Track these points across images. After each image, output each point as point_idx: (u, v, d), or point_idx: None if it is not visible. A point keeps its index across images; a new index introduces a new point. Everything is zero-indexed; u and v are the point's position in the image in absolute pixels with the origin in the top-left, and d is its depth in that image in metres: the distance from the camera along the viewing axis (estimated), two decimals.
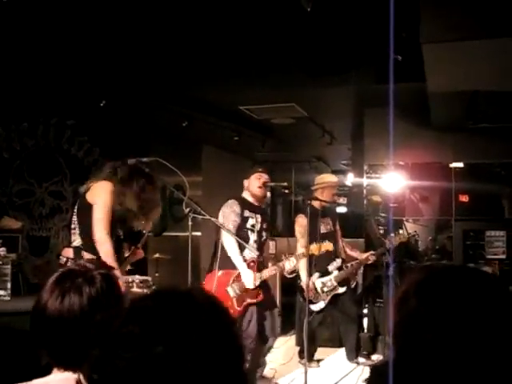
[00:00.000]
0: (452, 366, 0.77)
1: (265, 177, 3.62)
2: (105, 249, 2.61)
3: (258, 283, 3.42)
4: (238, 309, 3.36)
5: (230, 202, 3.52)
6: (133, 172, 2.74)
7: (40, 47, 3.85)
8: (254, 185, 3.61)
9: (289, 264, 3.52)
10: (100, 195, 2.68)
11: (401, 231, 4.44)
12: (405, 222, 5.57)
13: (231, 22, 3.78)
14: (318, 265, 3.98)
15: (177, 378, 0.62)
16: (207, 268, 3.53)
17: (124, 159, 2.79)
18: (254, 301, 3.44)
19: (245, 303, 3.40)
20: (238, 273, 3.39)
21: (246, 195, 3.65)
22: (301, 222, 4.17)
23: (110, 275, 1.23)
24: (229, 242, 3.37)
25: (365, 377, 0.87)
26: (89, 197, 2.70)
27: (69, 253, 2.74)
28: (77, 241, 2.73)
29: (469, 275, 0.86)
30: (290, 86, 4.65)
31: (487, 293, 0.82)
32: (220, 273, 3.35)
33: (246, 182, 3.65)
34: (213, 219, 3.08)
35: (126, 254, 2.95)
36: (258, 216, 3.61)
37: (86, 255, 2.67)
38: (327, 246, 3.83)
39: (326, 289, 4.15)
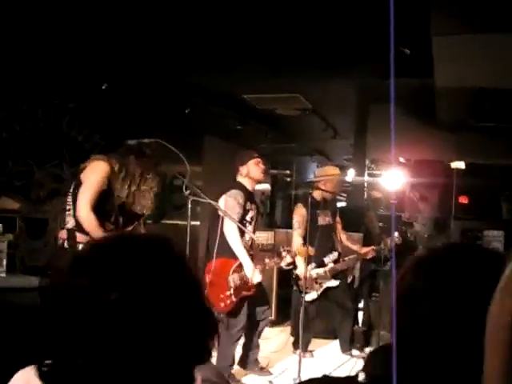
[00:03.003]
0: (448, 338, 0.77)
1: (262, 163, 3.58)
2: (87, 226, 2.62)
3: (260, 278, 3.39)
4: (235, 300, 3.34)
5: (234, 192, 3.42)
6: (130, 152, 2.78)
7: (41, 29, 3.79)
8: (256, 170, 3.55)
9: (284, 261, 3.59)
10: (88, 174, 2.71)
11: (396, 234, 4.38)
12: (414, 223, 5.55)
13: (238, 10, 3.72)
14: (314, 256, 3.97)
15: (136, 322, 0.60)
16: (206, 255, 3.47)
17: (125, 141, 2.78)
18: (249, 294, 3.42)
19: (241, 295, 3.37)
20: (238, 263, 3.34)
21: (244, 182, 3.55)
22: (300, 212, 4.13)
23: None
24: (232, 231, 3.32)
25: (357, 369, 0.85)
26: (82, 176, 2.72)
27: (64, 235, 2.74)
28: (70, 222, 2.73)
29: (466, 250, 0.86)
30: (295, 77, 4.59)
31: (485, 266, 0.80)
32: (217, 261, 3.30)
33: (243, 168, 3.54)
34: (213, 203, 3.05)
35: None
36: (254, 205, 3.57)
37: (80, 237, 2.68)
38: (311, 251, 3.82)
39: (319, 280, 4.14)
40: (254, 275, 3.34)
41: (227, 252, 3.33)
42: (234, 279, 3.34)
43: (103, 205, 2.74)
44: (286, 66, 4.38)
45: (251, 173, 3.52)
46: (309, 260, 3.82)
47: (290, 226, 4.33)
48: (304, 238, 3.95)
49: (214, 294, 3.30)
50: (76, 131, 5.28)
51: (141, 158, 2.81)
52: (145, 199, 2.82)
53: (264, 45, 4.08)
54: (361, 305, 5.05)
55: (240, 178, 3.55)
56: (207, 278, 3.26)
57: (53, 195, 5.01)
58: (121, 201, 2.78)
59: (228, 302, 3.31)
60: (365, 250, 4.33)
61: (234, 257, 3.35)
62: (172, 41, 4.11)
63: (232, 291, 3.31)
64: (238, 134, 6.14)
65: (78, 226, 2.67)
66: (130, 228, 2.98)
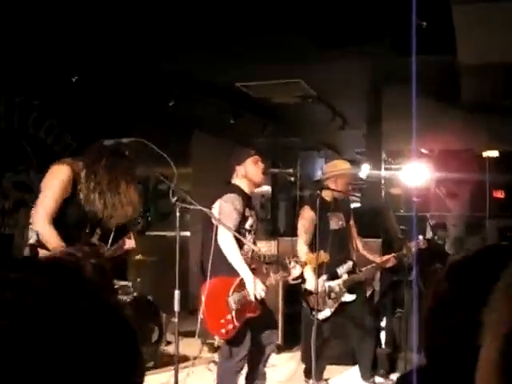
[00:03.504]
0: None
1: (261, 162, 3.57)
2: (45, 240, 2.63)
3: (264, 294, 3.38)
4: (237, 324, 3.32)
5: (230, 196, 3.40)
6: (101, 154, 2.76)
7: (2, 16, 3.76)
8: (255, 171, 3.53)
9: (295, 271, 3.58)
10: (45, 181, 2.73)
11: (420, 237, 4.34)
12: (429, 223, 5.53)
13: None
14: (326, 266, 3.93)
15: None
16: (200, 272, 3.45)
17: (100, 140, 2.79)
18: (254, 315, 3.40)
19: (244, 318, 3.36)
20: (238, 281, 3.35)
21: (242, 185, 3.55)
22: (307, 216, 4.09)
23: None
24: (228, 241, 3.30)
25: None
26: (41, 184, 2.76)
27: (27, 252, 2.77)
28: (33, 237, 2.74)
29: (503, 252, 0.86)
30: (295, 60, 4.61)
31: None
32: (214, 279, 3.29)
33: (240, 169, 3.53)
34: (205, 210, 3.03)
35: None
36: (253, 211, 3.57)
37: (43, 253, 2.68)
38: (325, 257, 3.78)
39: (332, 294, 4.12)
40: (256, 290, 3.33)
41: (225, 268, 3.31)
42: (234, 300, 3.32)
43: (71, 216, 2.74)
44: (283, 46, 4.37)
45: (249, 173, 3.51)
46: (319, 271, 3.79)
47: (296, 234, 4.27)
48: (310, 246, 3.92)
49: (212, 318, 3.29)
50: (44, 132, 5.26)
51: (117, 160, 2.79)
52: (123, 209, 2.80)
53: (257, 22, 4.04)
54: (383, 323, 5.02)
55: (236, 180, 3.55)
56: (203, 300, 3.25)
57: (19, 206, 4.99)
58: (93, 211, 2.77)
59: (230, 327, 3.30)
60: (384, 258, 4.28)
61: (234, 273, 3.34)
62: (149, 21, 4.06)
63: (234, 314, 3.29)
64: (232, 129, 6.14)
65: (40, 241, 2.67)
66: (118, 243, 3.01)
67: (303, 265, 3.69)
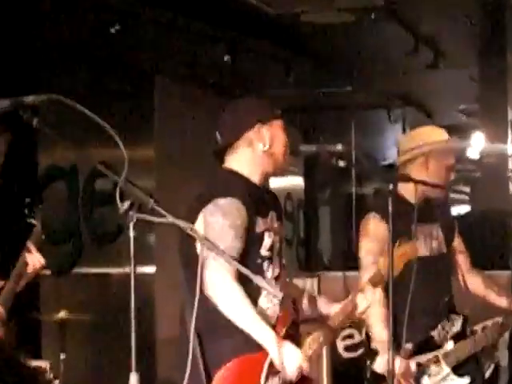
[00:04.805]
0: None
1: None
2: None
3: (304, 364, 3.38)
4: None
5: (224, 203, 3.36)
6: None
7: None
8: (281, 142, 3.49)
9: (362, 303, 3.50)
10: None
11: None
12: None
13: None
14: (410, 324, 3.86)
15: None
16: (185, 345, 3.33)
17: None
18: None
19: None
20: (269, 359, 3.37)
21: (247, 170, 3.48)
22: (375, 230, 4.10)
23: None
24: (224, 286, 3.28)
25: None
26: None
27: None
28: None
29: None
30: None
31: None
32: (230, 365, 3.33)
33: (259, 132, 3.42)
34: (183, 225, 2.84)
35: None
36: (272, 215, 3.53)
37: None
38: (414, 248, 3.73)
39: (427, 379, 4.10)
40: (291, 361, 3.34)
41: (241, 337, 3.33)
42: None
43: None
44: None
45: (276, 144, 3.47)
46: (397, 335, 3.73)
47: (351, 265, 4.36)
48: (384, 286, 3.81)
49: None
50: None
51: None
52: None
53: None
54: None
55: (236, 160, 3.46)
56: None
57: None
58: None
59: None
60: None
61: (258, 346, 3.36)
62: None
63: None
64: (228, 74, 6.24)
65: None
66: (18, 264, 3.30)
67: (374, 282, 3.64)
